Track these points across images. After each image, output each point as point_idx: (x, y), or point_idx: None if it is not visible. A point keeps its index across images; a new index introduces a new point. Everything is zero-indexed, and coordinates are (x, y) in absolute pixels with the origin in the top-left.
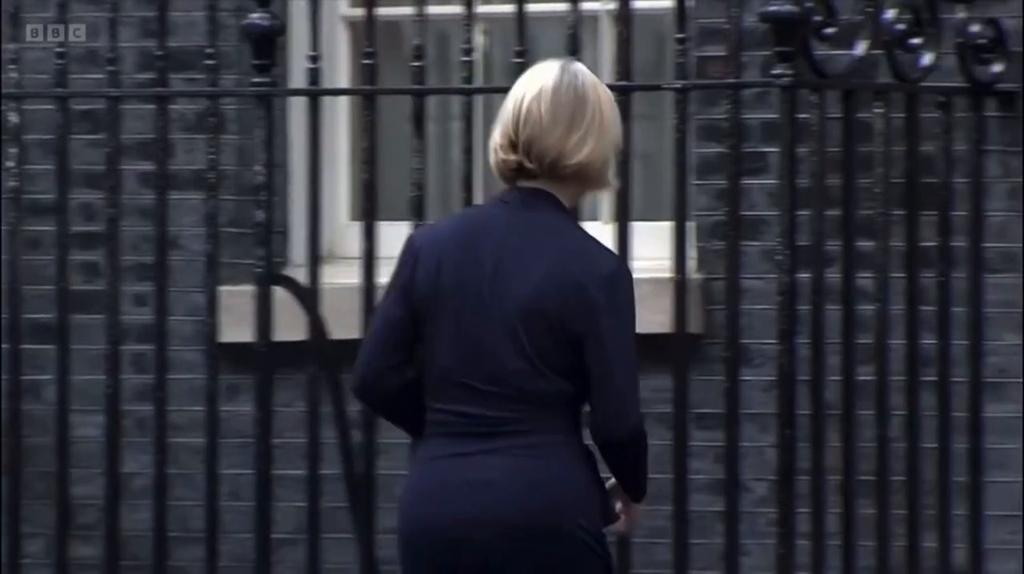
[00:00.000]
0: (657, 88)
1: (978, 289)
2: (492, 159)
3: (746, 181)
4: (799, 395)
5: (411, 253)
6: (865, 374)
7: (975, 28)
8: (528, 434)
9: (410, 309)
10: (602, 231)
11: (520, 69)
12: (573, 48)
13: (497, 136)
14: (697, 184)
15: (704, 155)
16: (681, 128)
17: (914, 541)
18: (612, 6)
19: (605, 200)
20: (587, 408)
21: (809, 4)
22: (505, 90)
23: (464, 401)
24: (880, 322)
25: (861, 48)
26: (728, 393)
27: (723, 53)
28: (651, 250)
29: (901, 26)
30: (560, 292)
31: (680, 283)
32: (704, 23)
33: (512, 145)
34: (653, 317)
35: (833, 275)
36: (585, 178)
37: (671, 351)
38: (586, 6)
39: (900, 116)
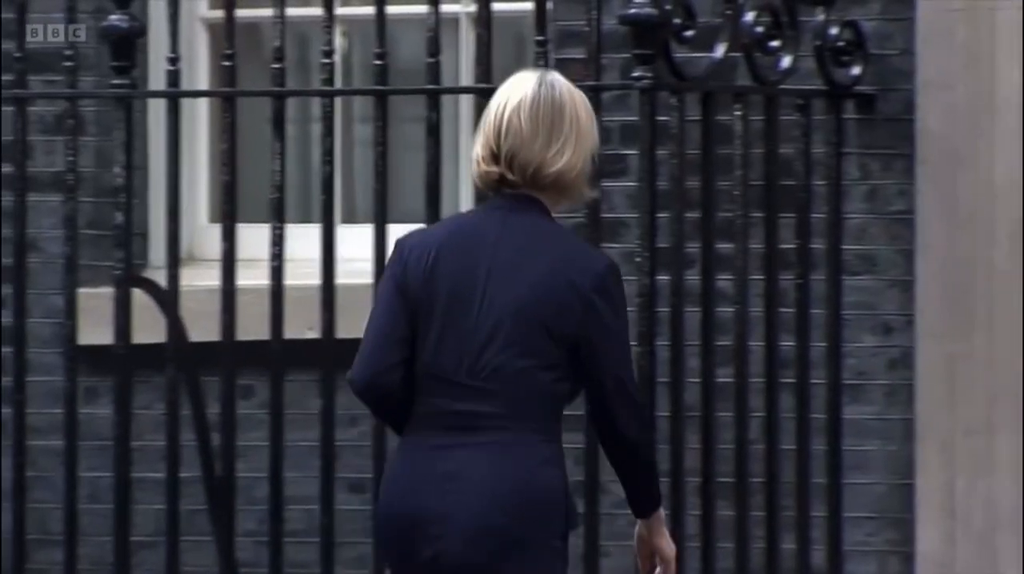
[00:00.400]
0: None
1: (836, 291)
2: (474, 170)
3: (606, 183)
4: (659, 397)
5: (400, 256)
6: (724, 376)
7: (834, 31)
8: (506, 430)
9: (406, 309)
10: None
11: (380, 71)
12: (433, 50)
13: (478, 148)
14: None
15: None
16: None
17: (773, 542)
18: (472, 9)
19: (464, 202)
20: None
21: (668, 7)
22: (365, 92)
23: (451, 396)
24: (739, 324)
25: (720, 51)
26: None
27: (583, 55)
28: None
29: (760, 29)
30: (556, 293)
31: None
32: (563, 25)
33: (494, 157)
34: None
35: (692, 277)
36: (563, 186)
37: None
38: (446, 8)
39: (759, 119)
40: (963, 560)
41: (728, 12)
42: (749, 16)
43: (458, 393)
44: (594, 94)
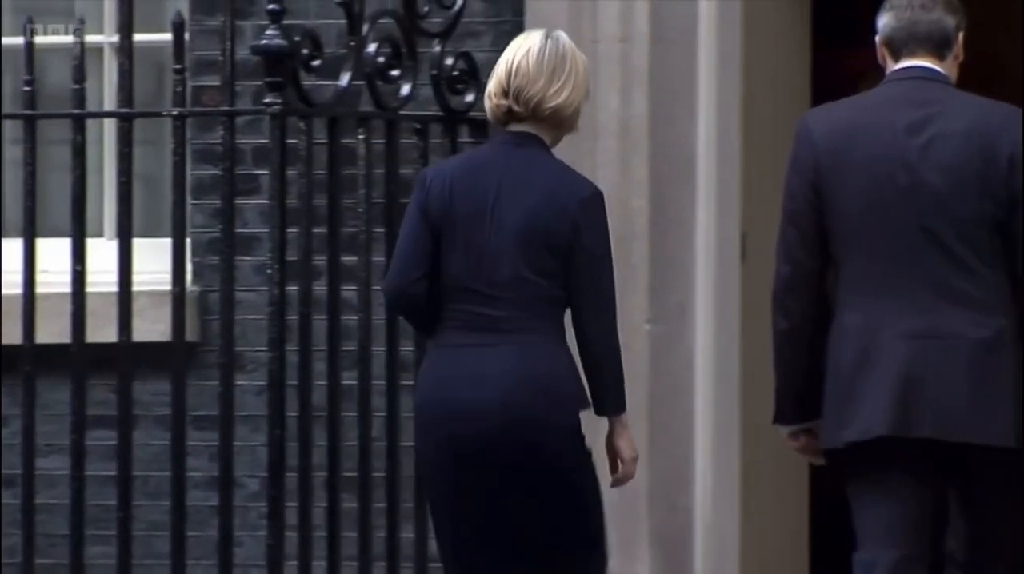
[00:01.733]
0: (157, 115)
1: None
2: (487, 104)
3: (240, 201)
4: (288, 398)
5: (424, 185)
6: (349, 379)
7: (449, 61)
8: (521, 331)
9: (429, 229)
10: (106, 248)
11: (29, 97)
12: (79, 77)
13: (491, 86)
14: (194, 204)
15: (200, 177)
16: (179, 152)
17: (394, 532)
18: (115, 39)
19: (108, 218)
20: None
21: (297, 38)
22: (15, 116)
23: (471, 302)
24: (363, 331)
25: (345, 79)
26: (222, 397)
27: (218, 83)
28: (152, 265)
29: (382, 59)
30: (550, 214)
31: (178, 295)
32: (200, 55)
33: (504, 93)
34: (153, 326)
35: (320, 287)
36: (560, 120)
37: (170, 358)
38: (90, 39)
39: (381, 142)
40: None
41: (352, 43)
42: (372, 47)
43: (478, 299)
44: (228, 119)
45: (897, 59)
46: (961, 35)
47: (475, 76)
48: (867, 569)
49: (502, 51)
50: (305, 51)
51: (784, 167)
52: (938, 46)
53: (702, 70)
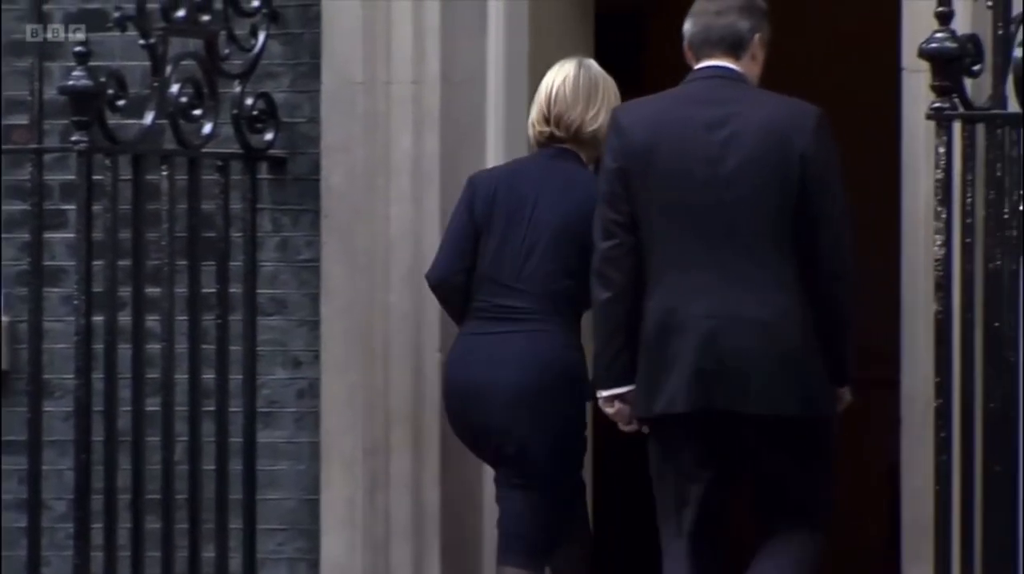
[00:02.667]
0: None
1: (252, 330)
2: (530, 132)
3: (48, 235)
4: (95, 424)
5: (471, 186)
6: (153, 405)
7: (249, 101)
8: (537, 321)
9: (472, 226)
10: None
11: None
12: None
13: (533, 114)
14: (5, 238)
15: (10, 212)
16: None
17: (195, 551)
18: None
19: None
20: None
21: (103, 79)
22: None
23: (497, 294)
24: (166, 359)
25: (149, 118)
26: (31, 422)
27: (26, 121)
28: None
29: (184, 99)
30: (580, 216)
31: None
32: (10, 95)
33: (545, 119)
34: None
35: (125, 317)
36: (597, 141)
37: None
38: None
39: (183, 178)
40: (363, 565)
41: (156, 84)
42: (175, 88)
43: (504, 292)
44: (37, 156)
45: (698, 60)
46: (758, 37)
47: (274, 115)
48: (671, 556)
49: (301, 91)
50: (111, 91)
51: None
52: (732, 47)
53: (490, 109)
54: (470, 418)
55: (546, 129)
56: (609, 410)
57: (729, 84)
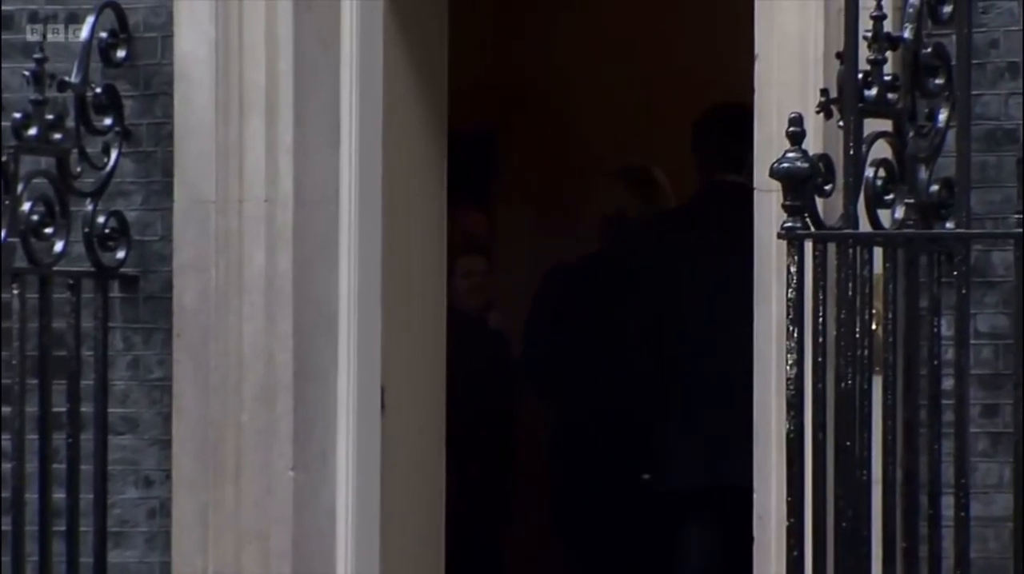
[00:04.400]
0: None
1: (104, 449)
2: None
3: None
4: None
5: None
6: (4, 524)
7: (101, 219)
8: None
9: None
10: None
11: None
12: None
13: None
14: None
15: None
16: None
17: None
18: None
19: None
20: None
21: None
22: None
23: None
24: (17, 479)
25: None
26: None
27: None
28: None
29: (36, 217)
30: None
31: None
32: None
33: None
34: None
35: None
36: None
37: None
38: None
39: (35, 296)
40: None
41: (7, 202)
42: (26, 206)
43: None
44: None
45: None
46: None
47: (126, 233)
48: None
49: (153, 209)
50: None
51: (421, 319)
52: None
53: (344, 228)
54: None
55: None
56: None
57: None
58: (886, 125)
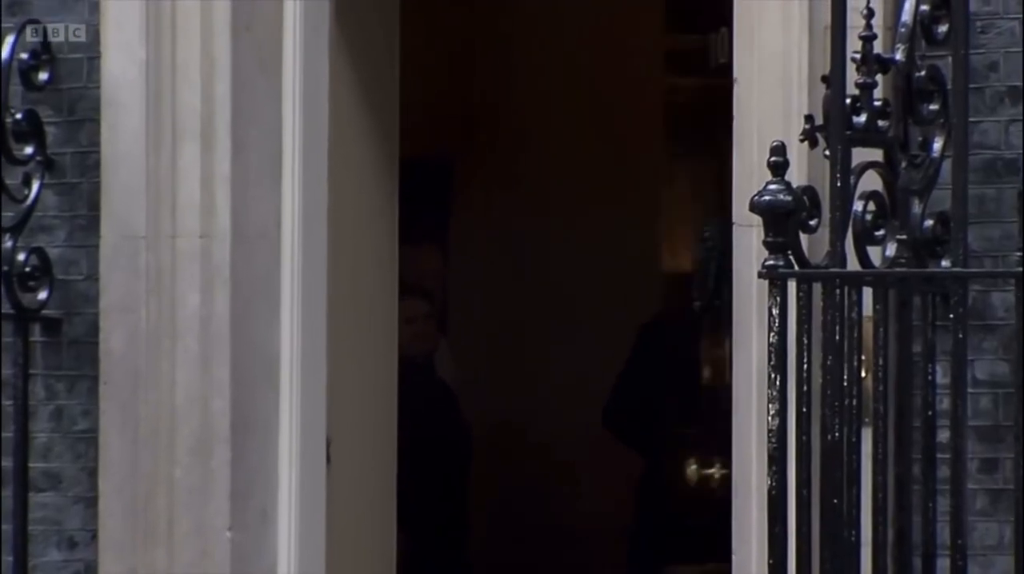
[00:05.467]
0: None
1: (24, 507)
2: None
3: None
4: None
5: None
6: None
7: (21, 257)
8: None
9: None
10: None
11: None
12: None
13: None
14: None
15: None
16: None
17: None
18: None
19: None
20: None
21: None
22: None
23: None
24: None
25: None
26: None
27: None
28: None
29: None
30: None
31: None
32: None
33: None
34: None
35: None
36: None
37: None
38: None
39: None
40: None
41: None
42: None
43: None
44: None
45: None
46: None
47: (48, 272)
48: None
49: (78, 246)
50: None
51: (370, 365)
52: None
53: (286, 266)
54: None
55: None
56: None
57: None
58: (876, 155)
